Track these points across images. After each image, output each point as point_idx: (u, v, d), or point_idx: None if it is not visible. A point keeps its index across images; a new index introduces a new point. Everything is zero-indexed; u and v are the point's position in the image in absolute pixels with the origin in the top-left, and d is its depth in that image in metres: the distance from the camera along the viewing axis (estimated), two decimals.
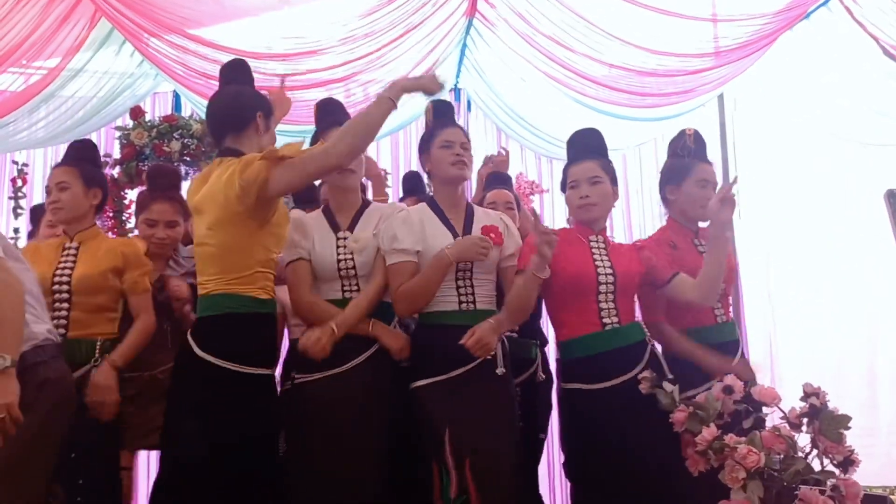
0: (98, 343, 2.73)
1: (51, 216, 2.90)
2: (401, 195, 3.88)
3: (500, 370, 2.48)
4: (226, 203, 2.31)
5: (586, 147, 2.70)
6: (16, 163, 4.74)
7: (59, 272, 2.75)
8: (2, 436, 1.98)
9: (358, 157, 2.53)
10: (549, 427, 3.39)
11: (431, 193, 2.97)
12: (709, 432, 2.24)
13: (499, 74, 4.92)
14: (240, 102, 2.48)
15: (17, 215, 4.63)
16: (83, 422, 2.58)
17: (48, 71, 4.21)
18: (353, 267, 2.56)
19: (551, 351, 3.35)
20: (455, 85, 5.13)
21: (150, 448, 2.98)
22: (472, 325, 2.49)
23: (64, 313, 2.72)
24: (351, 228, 2.62)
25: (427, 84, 2.43)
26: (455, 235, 2.59)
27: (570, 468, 2.67)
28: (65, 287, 2.72)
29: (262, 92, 2.60)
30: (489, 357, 2.47)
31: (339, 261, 2.55)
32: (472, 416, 2.43)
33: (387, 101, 2.33)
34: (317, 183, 3.06)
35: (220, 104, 2.52)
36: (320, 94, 4.12)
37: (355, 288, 2.57)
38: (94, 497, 2.66)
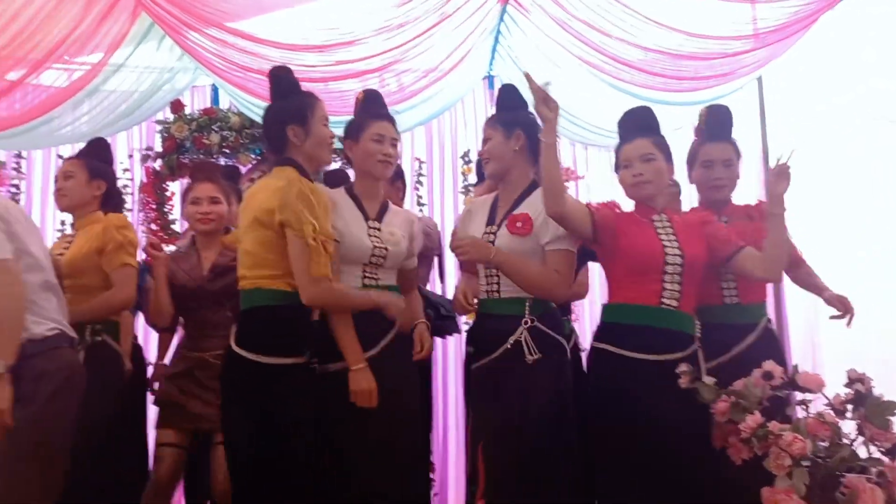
0: (88, 328, 2.78)
1: (56, 204, 3.12)
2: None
3: (529, 357, 2.48)
4: (264, 209, 2.42)
5: (637, 125, 2.63)
6: (61, 157, 4.85)
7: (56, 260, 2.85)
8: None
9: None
10: None
11: None
12: (753, 419, 2.24)
13: (533, 61, 4.89)
14: (269, 125, 2.58)
15: None
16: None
17: (91, 66, 4.27)
18: (385, 257, 2.60)
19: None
20: (489, 72, 5.11)
21: (188, 429, 3.06)
22: (496, 313, 2.53)
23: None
24: (378, 219, 2.66)
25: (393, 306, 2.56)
26: (489, 223, 2.64)
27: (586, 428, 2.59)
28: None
29: (299, 95, 2.59)
30: (509, 346, 2.50)
31: (374, 247, 2.59)
32: (492, 402, 2.50)
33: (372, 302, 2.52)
34: (335, 165, 3.32)
35: (262, 129, 2.69)
36: (356, 85, 4.16)
37: (376, 276, 2.62)
38: (123, 476, 2.81)
